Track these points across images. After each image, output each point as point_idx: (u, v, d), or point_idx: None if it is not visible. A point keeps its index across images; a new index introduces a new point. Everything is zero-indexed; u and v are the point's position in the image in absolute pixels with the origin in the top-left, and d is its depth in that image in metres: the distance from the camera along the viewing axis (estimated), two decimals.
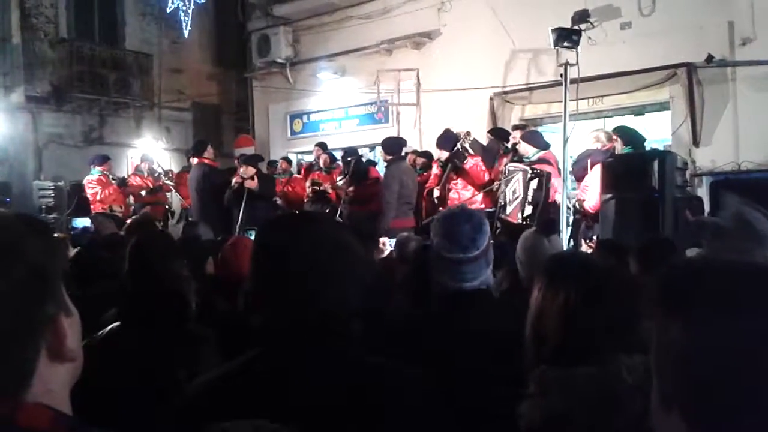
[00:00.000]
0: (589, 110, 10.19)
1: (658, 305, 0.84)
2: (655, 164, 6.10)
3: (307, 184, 10.86)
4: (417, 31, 12.34)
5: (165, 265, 2.54)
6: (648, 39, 9.73)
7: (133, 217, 9.93)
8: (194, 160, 10.21)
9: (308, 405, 1.38)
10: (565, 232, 6.87)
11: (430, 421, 1.47)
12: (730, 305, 0.77)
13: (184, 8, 14.78)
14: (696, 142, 9.55)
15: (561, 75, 7.55)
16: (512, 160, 7.87)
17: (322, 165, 11.11)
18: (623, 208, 6.11)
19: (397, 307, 3.16)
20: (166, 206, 12.12)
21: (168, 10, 14.82)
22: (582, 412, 1.59)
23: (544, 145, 7.85)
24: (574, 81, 7.38)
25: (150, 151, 13.44)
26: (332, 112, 14.16)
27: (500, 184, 7.65)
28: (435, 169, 8.91)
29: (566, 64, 7.32)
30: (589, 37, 8.68)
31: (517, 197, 7.26)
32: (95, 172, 11.03)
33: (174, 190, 12.10)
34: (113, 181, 11.05)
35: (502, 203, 7.46)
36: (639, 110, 10.44)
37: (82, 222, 11.53)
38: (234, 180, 9.49)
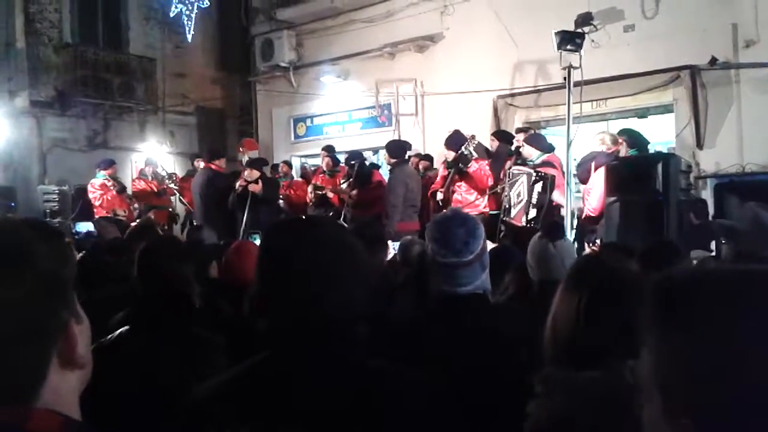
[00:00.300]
0: (593, 113, 10.18)
1: (660, 314, 0.80)
2: (660, 167, 6.08)
3: (309, 189, 10.88)
4: (420, 35, 12.35)
5: (174, 269, 2.55)
6: (651, 41, 9.73)
7: (136, 221, 9.95)
8: (200, 165, 10.24)
9: (311, 408, 1.38)
10: (570, 236, 6.86)
11: (432, 424, 1.47)
12: (737, 312, 0.74)
13: (188, 13, 14.83)
14: (700, 145, 9.53)
15: (564, 78, 7.55)
16: (516, 163, 7.86)
17: (324, 168, 11.13)
18: (627, 211, 6.10)
19: (399, 310, 3.16)
20: (170, 210, 12.14)
21: (171, 15, 14.88)
22: (586, 415, 1.59)
23: (548, 148, 7.85)
24: (577, 84, 7.38)
25: (154, 155, 13.47)
26: (336, 115, 14.18)
27: (504, 187, 7.65)
28: (441, 170, 8.89)
29: (570, 67, 7.32)
30: (593, 40, 8.68)
31: (522, 200, 7.26)
32: (100, 176, 11.07)
33: (178, 194, 12.12)
34: (113, 188, 11.07)
35: (507, 206, 7.46)
36: (642, 113, 10.42)
37: (85, 226, 11.57)
38: (238, 183, 9.50)
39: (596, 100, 10.04)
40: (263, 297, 1.54)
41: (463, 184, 8.21)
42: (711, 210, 8.21)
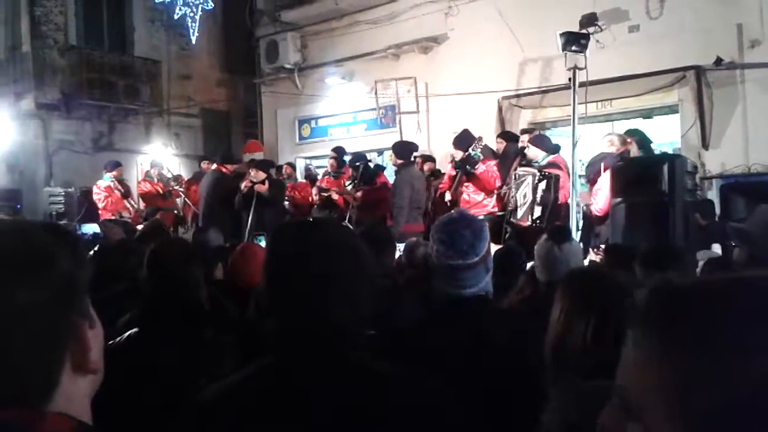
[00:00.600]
0: (598, 113, 10.17)
1: (649, 331, 0.74)
2: (665, 168, 6.07)
3: (313, 191, 10.89)
4: (424, 36, 12.35)
5: (183, 271, 2.55)
6: (656, 42, 9.71)
7: (145, 222, 9.96)
8: (213, 166, 10.30)
9: (319, 412, 1.38)
10: (576, 236, 6.85)
11: (438, 428, 1.47)
12: (741, 319, 0.68)
13: (192, 15, 14.86)
14: (705, 145, 9.50)
15: (569, 79, 7.54)
16: (521, 164, 7.86)
17: (329, 169, 11.14)
18: (633, 212, 6.08)
19: (403, 311, 3.16)
20: (175, 212, 12.16)
21: (176, 17, 14.91)
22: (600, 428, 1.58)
23: (554, 149, 7.84)
24: (582, 84, 7.38)
25: (159, 157, 13.49)
26: (340, 116, 14.19)
27: (511, 188, 7.65)
28: (449, 169, 8.85)
29: (575, 68, 7.32)
30: (597, 41, 8.67)
31: (527, 201, 7.26)
32: (106, 178, 11.12)
33: (183, 196, 12.14)
34: (117, 191, 11.10)
35: (513, 207, 7.46)
36: (648, 113, 10.41)
37: (91, 228, 11.59)
38: (244, 184, 9.52)
39: (601, 101, 10.03)
40: (270, 299, 1.54)
41: (470, 184, 8.20)
42: (717, 211, 8.18)
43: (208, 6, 15.09)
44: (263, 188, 9.36)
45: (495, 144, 9.33)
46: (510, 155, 8.44)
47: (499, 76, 11.24)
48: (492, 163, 8.22)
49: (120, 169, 11.44)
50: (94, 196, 11.11)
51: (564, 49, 7.37)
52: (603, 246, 5.96)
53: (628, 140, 7.26)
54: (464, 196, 8.18)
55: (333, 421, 1.38)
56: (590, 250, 6.72)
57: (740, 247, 3.18)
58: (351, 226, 7.57)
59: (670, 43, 9.57)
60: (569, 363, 1.80)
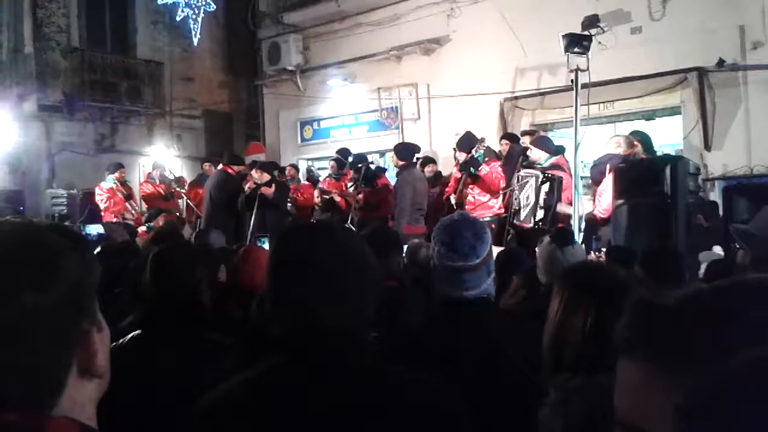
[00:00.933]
0: (600, 115, 10.17)
1: (645, 351, 0.72)
2: (668, 170, 6.07)
3: (315, 194, 10.89)
4: (426, 38, 12.35)
5: (187, 274, 2.55)
6: (658, 43, 9.71)
7: (144, 224, 9.97)
8: (218, 167, 10.30)
9: (324, 413, 1.39)
10: (578, 238, 6.85)
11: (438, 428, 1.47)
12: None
13: (194, 16, 14.88)
14: (708, 147, 9.50)
15: (571, 80, 7.54)
16: (524, 166, 7.86)
17: (330, 171, 11.14)
18: (636, 213, 6.08)
19: (405, 313, 3.16)
20: (177, 214, 12.16)
21: (178, 19, 14.93)
22: (606, 420, 1.58)
23: (556, 151, 7.84)
24: (584, 86, 7.37)
25: (161, 159, 13.50)
26: (342, 118, 14.21)
27: (514, 190, 7.64)
28: (454, 172, 8.85)
29: (577, 70, 7.31)
30: (600, 42, 8.67)
31: (530, 203, 7.26)
32: (109, 180, 11.12)
33: (185, 197, 12.15)
34: (119, 193, 11.11)
35: (515, 209, 7.46)
36: (650, 115, 10.40)
37: (95, 228, 11.60)
38: (247, 186, 9.52)
39: (603, 103, 10.03)
40: (275, 302, 1.54)
41: (475, 186, 8.19)
42: (720, 212, 8.17)
43: (210, 8, 15.11)
44: (269, 190, 9.35)
45: (497, 146, 9.33)
46: (515, 156, 8.44)
47: (501, 77, 11.25)
48: (496, 164, 8.21)
49: (122, 170, 11.44)
50: (97, 198, 11.11)
51: (566, 50, 7.36)
52: (604, 249, 5.97)
53: (635, 142, 7.25)
54: (469, 197, 8.18)
55: (337, 422, 1.38)
56: (591, 252, 6.73)
57: (744, 249, 3.17)
58: (353, 228, 7.58)
59: (673, 45, 9.57)
60: (567, 357, 1.79)
